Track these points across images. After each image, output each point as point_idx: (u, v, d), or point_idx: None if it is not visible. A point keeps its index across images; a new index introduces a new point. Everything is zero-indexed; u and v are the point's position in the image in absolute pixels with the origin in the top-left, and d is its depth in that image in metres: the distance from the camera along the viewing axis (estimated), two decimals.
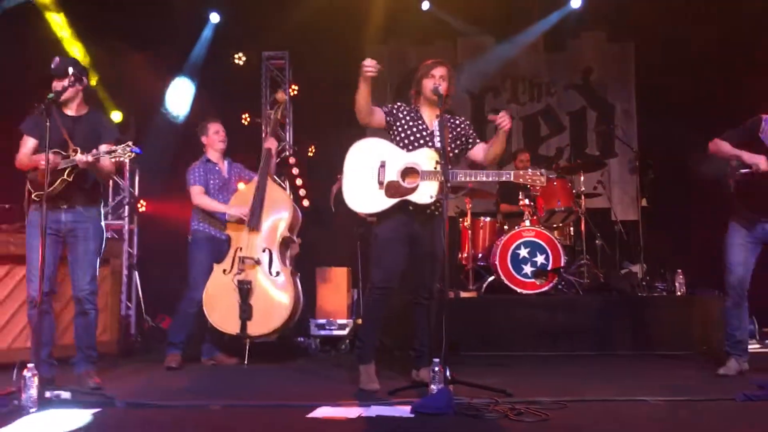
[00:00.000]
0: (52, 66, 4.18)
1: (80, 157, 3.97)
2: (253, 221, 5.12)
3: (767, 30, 6.80)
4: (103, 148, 4.02)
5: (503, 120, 3.94)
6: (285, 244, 5.22)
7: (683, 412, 3.40)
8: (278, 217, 5.19)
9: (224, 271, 5.08)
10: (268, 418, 3.44)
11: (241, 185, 5.45)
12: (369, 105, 4.04)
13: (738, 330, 4.51)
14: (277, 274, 5.08)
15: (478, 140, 4.27)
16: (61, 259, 4.27)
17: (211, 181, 5.36)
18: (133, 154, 3.96)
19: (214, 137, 5.43)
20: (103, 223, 4.35)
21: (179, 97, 7.52)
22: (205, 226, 5.31)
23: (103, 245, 4.33)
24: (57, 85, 4.13)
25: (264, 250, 5.10)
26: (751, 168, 4.29)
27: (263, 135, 7.80)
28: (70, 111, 4.24)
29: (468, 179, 4.06)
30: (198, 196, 5.27)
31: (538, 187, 6.50)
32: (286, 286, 5.05)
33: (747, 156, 4.32)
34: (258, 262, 5.06)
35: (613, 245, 7.23)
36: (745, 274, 4.47)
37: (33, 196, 4.06)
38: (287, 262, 5.19)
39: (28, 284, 4.11)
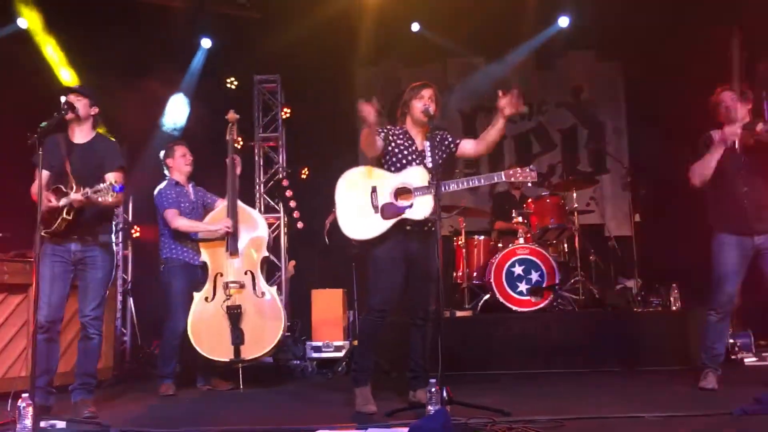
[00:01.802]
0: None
1: (74, 197, 3.96)
2: (231, 245, 5.12)
3: (755, 46, 6.88)
4: (100, 186, 3.92)
5: (509, 103, 3.92)
6: (263, 263, 5.27)
7: (680, 428, 3.39)
8: (255, 237, 5.24)
9: (206, 299, 5.06)
10: None
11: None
12: (374, 142, 4.05)
13: (718, 343, 4.54)
14: (263, 294, 5.10)
15: (458, 139, 4.30)
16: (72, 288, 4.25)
17: (182, 204, 5.29)
18: (116, 194, 3.89)
19: (181, 160, 5.37)
20: (113, 249, 4.34)
21: (176, 113, 7.56)
22: (178, 253, 5.23)
23: (113, 273, 4.32)
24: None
25: (246, 273, 5.12)
26: (727, 142, 4.32)
27: (256, 157, 7.84)
28: (76, 137, 4.25)
29: (460, 186, 4.06)
30: (176, 218, 5.18)
31: (528, 195, 6.56)
32: (275, 305, 5.10)
33: (714, 147, 4.37)
34: (243, 286, 5.07)
35: (608, 261, 7.27)
36: (734, 293, 4.49)
37: (42, 233, 3.96)
38: (267, 280, 5.26)
39: (38, 312, 4.04)
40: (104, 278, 4.24)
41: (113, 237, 4.35)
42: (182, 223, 5.19)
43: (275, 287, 5.29)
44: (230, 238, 5.14)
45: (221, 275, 5.09)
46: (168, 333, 5.17)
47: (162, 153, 5.50)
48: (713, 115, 4.56)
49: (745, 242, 4.38)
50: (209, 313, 5.02)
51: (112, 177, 4.01)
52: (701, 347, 4.60)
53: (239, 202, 5.30)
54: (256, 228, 5.26)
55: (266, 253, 5.28)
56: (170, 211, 5.21)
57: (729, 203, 4.40)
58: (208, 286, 5.10)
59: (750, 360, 5.61)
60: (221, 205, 5.35)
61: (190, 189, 5.43)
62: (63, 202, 3.97)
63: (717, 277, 4.48)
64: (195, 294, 5.10)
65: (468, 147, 4.27)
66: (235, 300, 5.02)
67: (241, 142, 5.50)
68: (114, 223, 7.10)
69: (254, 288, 5.10)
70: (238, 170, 5.39)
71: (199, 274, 5.22)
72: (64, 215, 4.00)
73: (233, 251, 5.12)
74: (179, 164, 5.38)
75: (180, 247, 5.25)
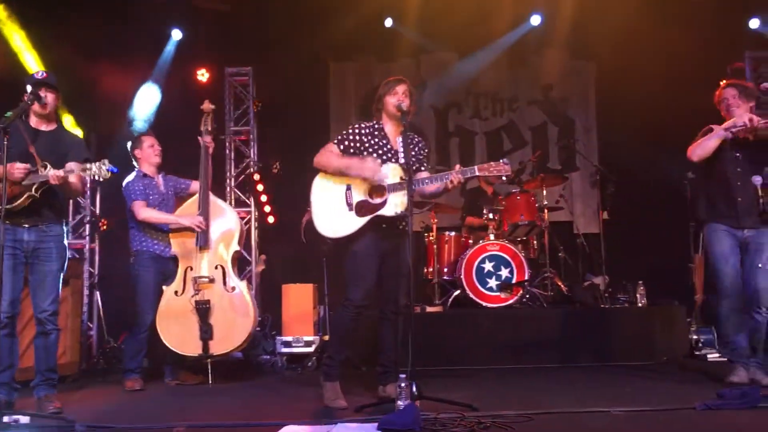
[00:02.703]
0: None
1: (53, 173, 3.90)
2: (202, 239, 5.06)
3: (719, 49, 7.03)
4: (72, 165, 3.95)
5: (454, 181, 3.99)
6: (235, 257, 5.20)
7: (645, 422, 3.46)
8: (227, 230, 5.17)
9: (176, 293, 5.01)
10: None
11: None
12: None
13: (736, 336, 4.43)
14: (233, 289, 5.05)
15: (423, 167, 4.32)
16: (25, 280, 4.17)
17: (151, 196, 5.22)
18: (110, 173, 3.88)
19: (149, 151, 5.30)
20: (66, 242, 4.27)
21: (146, 103, 7.46)
22: (148, 245, 5.17)
23: (66, 264, 4.25)
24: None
25: (216, 267, 5.06)
26: (745, 124, 4.28)
27: (226, 151, 7.77)
28: (39, 125, 4.19)
29: (434, 183, 4.06)
30: (143, 210, 5.12)
31: (504, 178, 6.56)
32: (245, 300, 5.04)
33: (731, 122, 4.36)
34: (212, 281, 5.02)
35: (576, 258, 7.36)
36: (737, 276, 4.42)
37: None
38: (238, 275, 5.18)
39: None
40: (59, 271, 4.17)
41: (65, 228, 4.27)
42: (149, 215, 5.13)
43: (245, 282, 5.21)
44: (201, 232, 5.08)
45: (191, 269, 5.04)
46: (135, 326, 5.10)
47: (129, 144, 5.41)
48: (717, 108, 4.57)
49: (736, 233, 4.44)
50: (178, 307, 4.96)
51: (75, 165, 3.96)
52: (720, 342, 4.54)
53: (211, 195, 5.23)
54: (227, 222, 5.20)
55: (238, 247, 5.22)
56: (137, 203, 5.14)
57: (721, 197, 4.45)
58: (178, 280, 5.04)
59: (713, 356, 5.72)
60: (192, 198, 5.27)
61: (160, 180, 5.35)
62: (44, 172, 3.90)
63: (714, 262, 4.48)
64: (165, 288, 5.04)
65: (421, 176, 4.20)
66: (204, 295, 4.97)
67: (210, 130, 5.40)
68: (81, 215, 7.06)
69: (224, 283, 5.05)
70: (211, 147, 5.30)
71: (170, 266, 5.15)
72: (33, 191, 3.93)
73: (203, 245, 5.07)
74: (147, 155, 5.30)
75: (149, 240, 5.18)
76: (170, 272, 5.13)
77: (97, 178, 3.91)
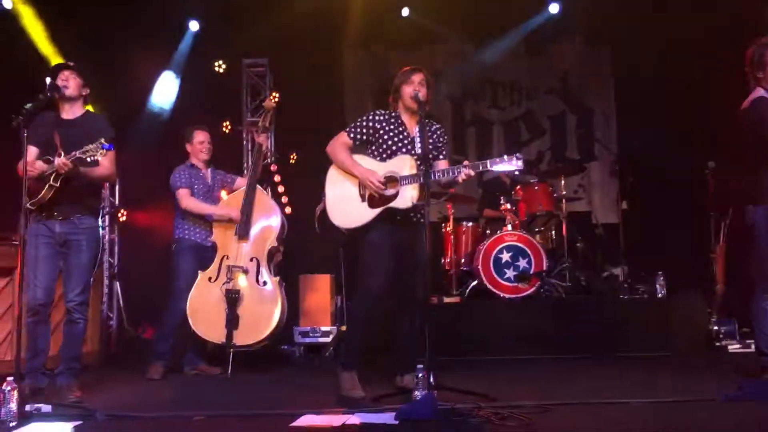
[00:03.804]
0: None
1: (58, 161, 3.93)
2: (241, 229, 5.07)
3: (739, 33, 6.89)
4: (73, 155, 3.96)
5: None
6: (271, 253, 5.19)
7: (665, 413, 3.42)
8: (267, 225, 5.16)
9: (210, 279, 5.03)
10: (251, 428, 3.43)
11: (223, 194, 5.41)
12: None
13: None
14: (265, 283, 5.05)
15: (442, 156, 4.28)
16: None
17: (196, 186, 5.29)
18: (105, 151, 3.86)
19: (198, 147, 5.37)
20: (99, 233, 4.30)
21: (165, 92, 7.50)
22: (190, 234, 5.24)
23: (99, 258, 4.29)
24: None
25: (252, 259, 5.07)
26: None
27: (243, 142, 7.79)
28: (65, 114, 4.22)
29: (447, 176, 4.01)
30: (186, 198, 5.19)
31: (517, 180, 6.54)
32: (274, 297, 5.03)
33: None
34: (246, 272, 5.03)
35: (595, 248, 7.29)
36: None
37: (28, 205, 3.91)
38: (273, 271, 5.17)
39: (28, 293, 4.02)
40: (89, 263, 4.19)
41: (100, 221, 4.31)
42: (191, 203, 5.19)
43: (278, 278, 5.18)
44: (242, 222, 5.08)
45: (227, 257, 5.06)
46: (170, 312, 5.15)
47: (184, 135, 5.46)
48: (751, 70, 4.11)
49: None
50: (210, 293, 4.98)
51: (101, 138, 3.96)
52: (759, 339, 4.10)
53: (260, 189, 5.25)
54: (269, 217, 5.18)
55: (275, 243, 5.18)
56: (181, 191, 5.20)
57: None
58: (213, 267, 5.06)
59: (734, 347, 5.66)
60: (240, 188, 5.30)
61: (208, 173, 5.41)
62: (48, 165, 3.94)
63: (766, 250, 4.01)
64: (200, 272, 5.07)
65: (438, 168, 4.14)
66: (235, 285, 4.98)
67: (268, 126, 5.43)
68: (101, 206, 7.12)
69: (258, 276, 5.04)
70: (265, 145, 5.34)
71: (209, 255, 5.18)
72: (51, 182, 3.96)
73: (242, 235, 5.07)
74: (196, 151, 5.37)
75: (192, 228, 5.24)
76: (209, 261, 5.15)
77: (94, 157, 3.89)
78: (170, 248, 5.33)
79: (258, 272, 5.05)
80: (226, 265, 5.02)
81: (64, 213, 4.11)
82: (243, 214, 5.09)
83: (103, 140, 3.86)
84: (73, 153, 3.92)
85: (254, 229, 5.13)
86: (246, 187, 5.20)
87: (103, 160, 4.07)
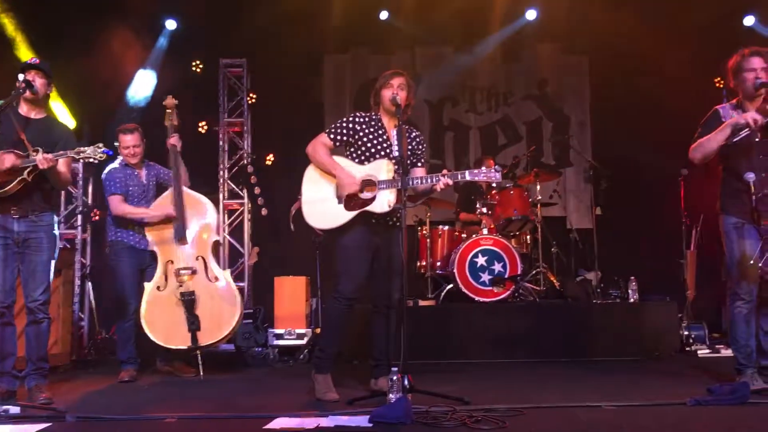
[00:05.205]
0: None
1: (42, 157, 3.87)
2: (179, 232, 5.02)
3: (713, 44, 7.02)
4: (60, 153, 3.95)
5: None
6: (215, 247, 5.20)
7: (636, 417, 3.46)
8: (204, 223, 5.14)
9: (158, 288, 4.97)
10: (223, 430, 3.40)
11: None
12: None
13: (752, 339, 4.07)
14: (217, 279, 5.04)
15: (420, 163, 4.30)
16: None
17: (131, 188, 5.18)
18: (104, 156, 3.89)
19: (123, 152, 5.20)
20: (56, 232, 4.24)
21: (142, 89, 7.45)
22: (123, 236, 5.15)
23: (57, 253, 4.23)
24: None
25: (198, 258, 5.05)
26: (749, 126, 3.85)
27: (220, 143, 7.74)
28: (28, 113, 4.16)
29: (425, 183, 4.04)
30: (119, 205, 5.09)
31: (494, 185, 6.58)
32: (230, 290, 5.03)
33: (734, 120, 3.92)
34: (195, 272, 5.00)
35: (569, 253, 7.37)
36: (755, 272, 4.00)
37: None
38: (220, 264, 5.15)
39: None
40: (49, 261, 4.16)
41: (56, 218, 4.25)
42: (124, 210, 5.10)
43: (228, 271, 5.19)
44: (178, 226, 5.02)
45: (172, 262, 5.01)
46: (120, 317, 5.11)
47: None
48: (730, 79, 4.13)
49: (754, 228, 3.99)
50: (163, 301, 4.93)
51: (65, 153, 3.97)
52: (734, 347, 4.13)
53: (185, 188, 5.16)
54: (204, 213, 5.14)
55: (216, 237, 5.19)
56: (114, 198, 5.11)
57: (742, 188, 3.95)
58: (159, 275, 4.99)
59: (703, 352, 5.75)
60: (167, 191, 5.21)
61: (143, 172, 5.29)
62: (33, 157, 3.88)
63: (731, 257, 4.06)
64: (146, 284, 5.00)
65: (414, 175, 4.16)
66: (189, 286, 4.94)
67: (176, 125, 5.27)
68: (73, 206, 7.03)
69: (206, 273, 5.02)
70: (179, 146, 5.19)
71: (146, 258, 5.13)
72: (25, 175, 3.92)
73: (181, 237, 5.02)
74: (123, 153, 5.22)
75: (124, 231, 5.16)
76: (147, 263, 5.11)
77: (92, 160, 3.93)
78: (105, 253, 5.24)
79: (206, 269, 5.03)
80: (174, 269, 4.98)
81: (22, 210, 4.06)
82: (177, 217, 5.03)
83: (101, 144, 3.91)
84: (63, 152, 3.90)
85: (192, 229, 5.09)
86: (173, 190, 5.12)
87: (63, 167, 4.07)
